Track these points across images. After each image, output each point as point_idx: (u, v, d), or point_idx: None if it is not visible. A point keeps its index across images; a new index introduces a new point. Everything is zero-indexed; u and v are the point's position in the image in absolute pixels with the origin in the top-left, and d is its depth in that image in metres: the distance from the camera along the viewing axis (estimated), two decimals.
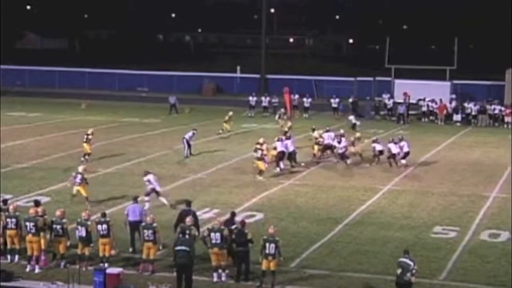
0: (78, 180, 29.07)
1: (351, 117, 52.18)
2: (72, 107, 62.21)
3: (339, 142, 38.42)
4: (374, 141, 38.91)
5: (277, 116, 52.13)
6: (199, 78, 77.66)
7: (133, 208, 24.06)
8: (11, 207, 23.04)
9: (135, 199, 24.73)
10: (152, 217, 22.25)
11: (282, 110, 53.84)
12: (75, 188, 29.06)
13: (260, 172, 34.43)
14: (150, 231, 21.73)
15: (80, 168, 29.91)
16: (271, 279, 20.69)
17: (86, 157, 37.64)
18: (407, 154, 37.62)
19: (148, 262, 21.76)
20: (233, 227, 22.12)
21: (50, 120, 54.54)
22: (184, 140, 39.92)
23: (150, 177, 29.19)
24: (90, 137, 38.11)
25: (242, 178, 34.73)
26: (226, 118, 47.21)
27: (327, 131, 40.53)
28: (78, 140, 43.54)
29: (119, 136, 45.49)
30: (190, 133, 40.27)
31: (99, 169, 35.98)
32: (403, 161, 37.48)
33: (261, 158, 34.60)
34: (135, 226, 23.30)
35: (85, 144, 37.97)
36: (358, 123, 50.65)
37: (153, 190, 29.02)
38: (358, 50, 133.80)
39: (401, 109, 57.27)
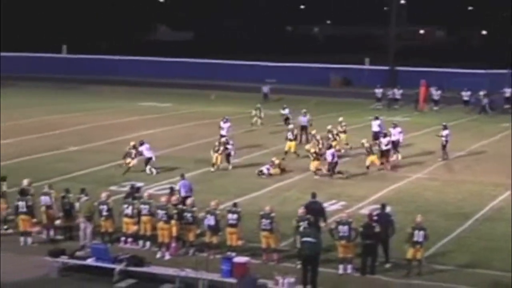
0: None
1: (286, 111, 47.89)
2: (201, 98, 63.25)
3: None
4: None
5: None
6: (326, 70, 77.53)
7: (183, 183, 26.18)
8: (145, 194, 23.79)
9: (182, 176, 26.82)
10: (271, 206, 22.47)
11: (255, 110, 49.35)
12: None
13: (316, 171, 33.66)
14: (268, 221, 21.93)
15: None
16: (418, 268, 20.91)
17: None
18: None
19: (269, 251, 21.93)
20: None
21: (180, 110, 55.65)
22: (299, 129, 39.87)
23: (144, 147, 33.28)
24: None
25: (367, 170, 34.44)
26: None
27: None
28: (205, 130, 44.34)
29: (247, 127, 45.90)
30: (304, 118, 40.96)
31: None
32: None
33: (317, 158, 33.84)
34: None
35: (289, 142, 37.35)
36: (290, 116, 46.77)
37: (150, 158, 33.12)
38: (491, 42, 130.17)
39: None
